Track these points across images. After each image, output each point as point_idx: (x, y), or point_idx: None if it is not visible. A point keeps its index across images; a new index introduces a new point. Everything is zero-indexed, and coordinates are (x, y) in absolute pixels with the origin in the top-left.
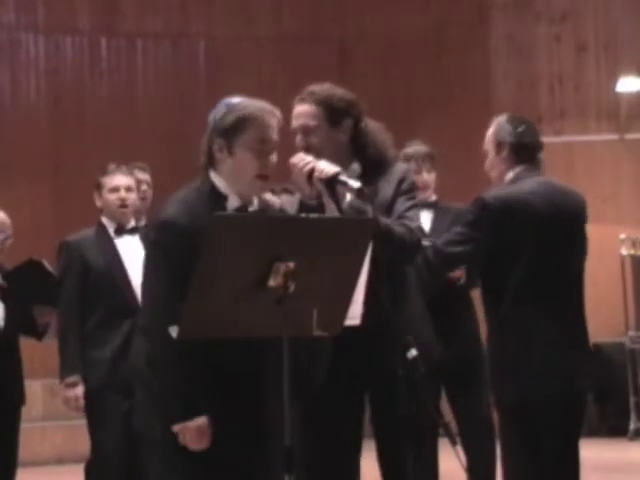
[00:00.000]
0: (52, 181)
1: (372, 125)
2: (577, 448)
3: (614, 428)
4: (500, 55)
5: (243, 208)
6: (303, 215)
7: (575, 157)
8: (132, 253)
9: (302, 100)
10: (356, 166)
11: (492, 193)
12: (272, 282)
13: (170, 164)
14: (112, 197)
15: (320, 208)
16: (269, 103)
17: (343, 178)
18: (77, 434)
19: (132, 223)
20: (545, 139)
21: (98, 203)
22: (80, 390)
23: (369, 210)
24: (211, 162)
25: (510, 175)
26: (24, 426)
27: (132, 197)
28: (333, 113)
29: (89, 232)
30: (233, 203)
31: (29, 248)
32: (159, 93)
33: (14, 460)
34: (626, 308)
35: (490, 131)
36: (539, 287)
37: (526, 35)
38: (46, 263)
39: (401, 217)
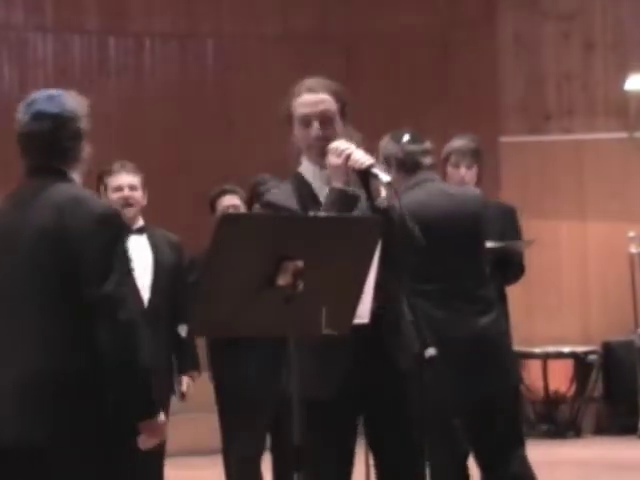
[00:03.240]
0: None
1: None
2: None
3: (624, 426)
4: (508, 53)
5: None
6: (311, 214)
7: (584, 155)
8: (139, 254)
9: (314, 90)
10: None
11: None
12: (281, 281)
13: (177, 163)
14: (115, 196)
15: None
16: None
17: (375, 171)
18: None
19: (140, 222)
20: (553, 137)
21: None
22: None
23: (397, 206)
24: (67, 161)
25: (402, 188)
26: None
27: (136, 195)
28: (342, 105)
29: None
30: None
31: None
32: (167, 93)
33: None
34: (635, 306)
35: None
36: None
37: (534, 33)
38: None
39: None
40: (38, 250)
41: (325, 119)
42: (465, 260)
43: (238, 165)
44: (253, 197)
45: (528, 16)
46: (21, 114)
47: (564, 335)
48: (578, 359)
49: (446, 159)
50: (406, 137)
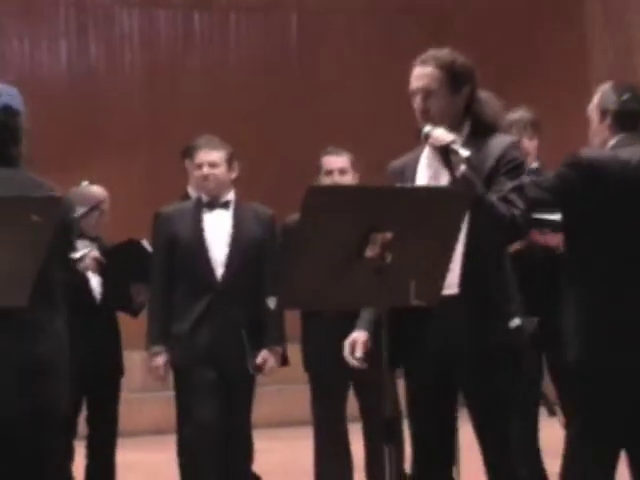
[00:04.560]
0: (146, 154)
1: (483, 93)
2: None
3: None
4: (596, 23)
5: None
6: (398, 185)
7: None
8: (219, 228)
9: (424, 62)
10: (457, 138)
11: (587, 152)
12: (369, 252)
13: (261, 137)
14: (197, 173)
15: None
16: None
17: (455, 147)
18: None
19: (228, 197)
20: None
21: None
22: (161, 360)
23: (479, 183)
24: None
25: (612, 142)
26: (123, 397)
27: (216, 172)
28: (454, 78)
29: (187, 204)
30: None
31: (124, 220)
32: (252, 66)
33: (115, 430)
34: None
35: (594, 99)
36: (611, 258)
37: (622, 3)
38: (145, 243)
39: (505, 199)
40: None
41: (425, 93)
42: None
43: (323, 138)
44: (319, 169)
45: None
46: None
47: None
48: None
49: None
50: (628, 94)
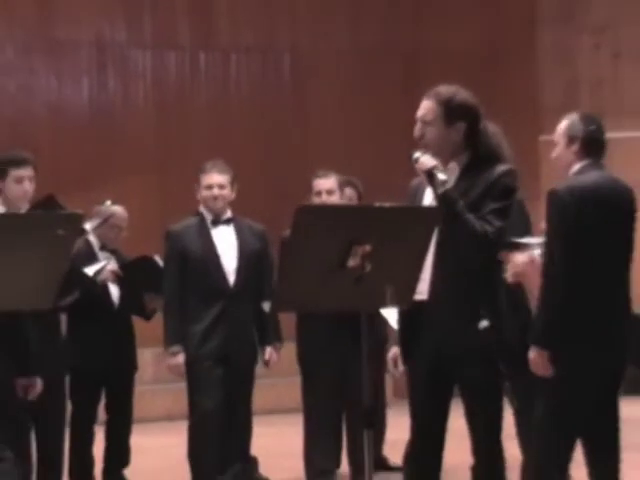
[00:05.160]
0: (157, 176)
1: (492, 128)
2: None
3: None
4: (547, 61)
5: None
6: (377, 204)
7: (613, 152)
8: (226, 241)
9: (428, 96)
10: (453, 165)
11: (560, 185)
12: (351, 263)
13: (260, 164)
14: (206, 194)
15: None
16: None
17: (436, 171)
18: (183, 396)
19: (228, 214)
20: None
21: (198, 196)
22: (181, 358)
23: (460, 203)
24: None
25: (577, 167)
26: (137, 388)
27: (224, 193)
28: (449, 113)
29: (192, 221)
30: None
31: (138, 236)
32: (250, 100)
33: (130, 417)
34: None
35: (562, 125)
36: (593, 270)
37: (570, 44)
38: (157, 258)
39: (482, 218)
40: None
41: (422, 123)
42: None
43: (313, 161)
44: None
45: (565, 29)
46: None
47: None
48: None
49: None
50: (594, 125)
